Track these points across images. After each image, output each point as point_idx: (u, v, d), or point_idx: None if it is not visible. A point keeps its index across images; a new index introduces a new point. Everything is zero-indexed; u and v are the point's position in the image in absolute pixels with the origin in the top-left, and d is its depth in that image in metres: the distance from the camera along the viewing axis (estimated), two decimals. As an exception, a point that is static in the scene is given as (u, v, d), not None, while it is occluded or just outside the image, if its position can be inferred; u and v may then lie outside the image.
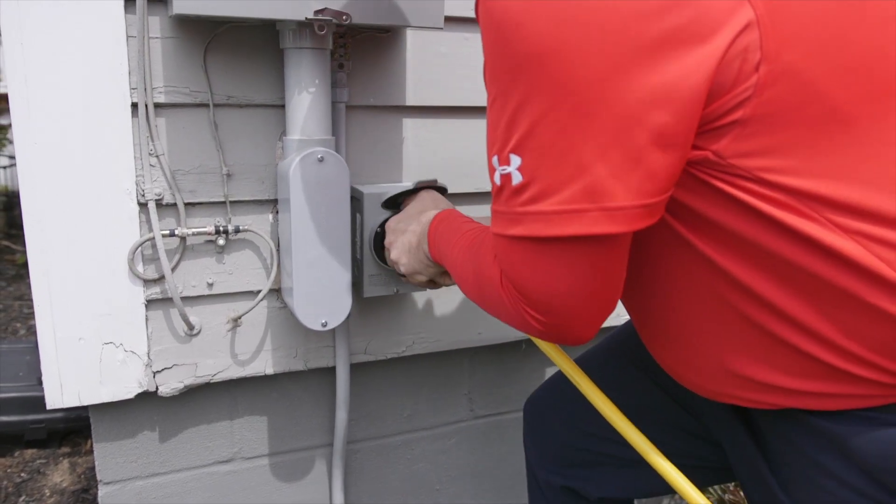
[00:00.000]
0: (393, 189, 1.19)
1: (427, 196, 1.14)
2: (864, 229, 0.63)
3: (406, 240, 1.07)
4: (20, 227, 3.76)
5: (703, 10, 0.57)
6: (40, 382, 1.94)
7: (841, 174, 0.62)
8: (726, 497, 1.94)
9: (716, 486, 1.95)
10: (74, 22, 1.06)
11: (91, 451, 1.93)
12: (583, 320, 0.72)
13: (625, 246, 0.69)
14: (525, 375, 1.62)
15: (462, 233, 0.92)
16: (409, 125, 1.32)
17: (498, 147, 0.67)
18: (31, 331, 2.64)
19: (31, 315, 2.77)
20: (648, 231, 0.66)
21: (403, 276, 1.14)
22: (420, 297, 1.40)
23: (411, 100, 1.30)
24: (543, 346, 1.01)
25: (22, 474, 1.81)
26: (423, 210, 1.10)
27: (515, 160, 0.66)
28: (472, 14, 1.29)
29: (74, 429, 1.95)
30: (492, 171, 0.70)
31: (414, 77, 1.30)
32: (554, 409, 1.17)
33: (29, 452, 1.89)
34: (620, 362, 1.10)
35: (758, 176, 0.62)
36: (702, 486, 1.00)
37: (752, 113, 0.60)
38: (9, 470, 1.82)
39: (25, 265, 3.26)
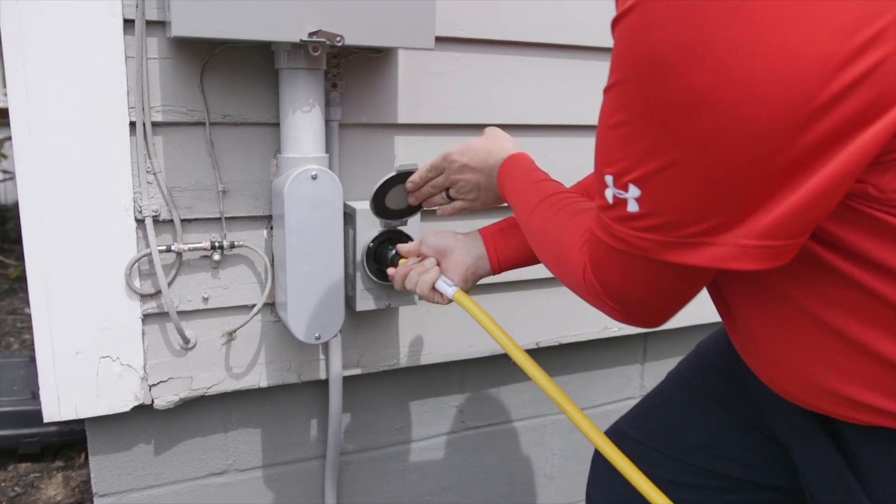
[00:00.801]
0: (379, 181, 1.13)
1: (493, 134, 1.07)
2: None
3: (474, 179, 1.05)
4: (13, 241, 3.77)
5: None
6: (35, 396, 1.95)
7: None
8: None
9: None
10: (75, 42, 1.09)
11: (85, 465, 1.94)
12: (661, 316, 0.75)
13: None
14: (516, 387, 1.64)
15: (543, 196, 0.90)
16: (401, 142, 1.35)
17: (616, 170, 0.64)
18: (25, 345, 2.65)
19: (25, 329, 2.78)
20: None
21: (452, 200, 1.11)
22: (411, 311, 1.43)
23: (403, 118, 1.34)
24: (529, 369, 1.00)
25: (16, 488, 1.82)
26: (490, 147, 1.04)
27: (634, 191, 0.62)
28: (462, 34, 1.33)
29: (68, 442, 1.96)
30: (602, 184, 0.66)
31: (406, 95, 1.33)
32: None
33: (23, 466, 1.90)
34: (686, 395, 1.09)
35: None
36: None
37: None
38: (3, 484, 1.83)
39: (18, 279, 3.26)
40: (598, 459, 1.17)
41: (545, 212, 0.88)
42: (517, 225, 1.06)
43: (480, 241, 1.07)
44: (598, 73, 1.47)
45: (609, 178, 0.64)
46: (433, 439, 1.59)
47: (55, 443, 1.93)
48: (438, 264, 1.08)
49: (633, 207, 0.62)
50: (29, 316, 2.93)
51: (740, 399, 0.99)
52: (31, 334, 2.72)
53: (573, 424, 1.67)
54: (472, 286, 1.08)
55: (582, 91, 1.47)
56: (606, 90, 0.63)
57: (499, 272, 1.07)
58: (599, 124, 0.66)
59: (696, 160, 0.56)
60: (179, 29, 1.02)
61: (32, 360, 2.17)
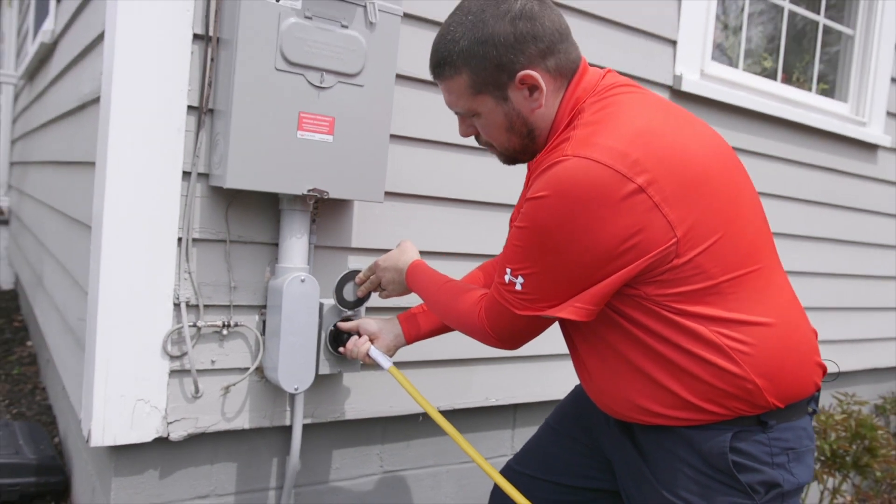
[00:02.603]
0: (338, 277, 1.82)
1: (402, 247, 1.74)
2: (720, 330, 1.23)
3: (391, 276, 1.71)
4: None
5: (648, 241, 1.17)
6: (17, 452, 2.33)
7: (710, 303, 1.23)
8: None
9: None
10: (149, 187, 1.66)
11: (55, 512, 2.31)
12: (520, 343, 1.40)
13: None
14: (422, 441, 2.22)
15: (440, 283, 1.56)
16: (352, 259, 1.98)
17: (512, 267, 1.27)
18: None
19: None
20: (599, 320, 1.29)
21: (383, 289, 1.77)
22: (352, 377, 2.00)
23: (355, 243, 1.97)
24: (441, 422, 1.61)
25: (0, 528, 2.16)
26: (400, 256, 1.71)
27: (520, 280, 1.26)
28: (396, 189, 1.99)
29: (42, 492, 2.32)
30: (503, 271, 1.29)
31: (357, 227, 1.97)
32: None
33: (3, 511, 2.25)
34: (550, 436, 1.70)
35: (667, 304, 1.23)
36: None
37: (667, 278, 1.20)
38: (-11, 524, 2.17)
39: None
40: (496, 492, 1.75)
41: (444, 293, 1.54)
42: (418, 314, 1.72)
43: (398, 324, 1.73)
44: (486, 218, 2.17)
45: (508, 270, 1.29)
46: (360, 479, 2.13)
47: (32, 492, 2.29)
48: (372, 341, 1.72)
49: (518, 287, 1.29)
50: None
51: (582, 433, 1.61)
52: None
53: (463, 473, 2.28)
54: (394, 353, 1.73)
55: (473, 230, 2.16)
56: (515, 227, 1.28)
57: (411, 343, 1.73)
58: (507, 240, 1.33)
59: (550, 273, 1.24)
60: (233, 183, 1.62)
61: (6, 424, 2.53)
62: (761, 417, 1.29)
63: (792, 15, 3.18)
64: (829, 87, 3.39)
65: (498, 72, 1.28)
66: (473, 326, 1.43)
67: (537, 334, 1.40)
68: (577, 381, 1.65)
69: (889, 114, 3.44)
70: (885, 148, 3.44)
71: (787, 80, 3.21)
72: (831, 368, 1.47)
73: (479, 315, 1.41)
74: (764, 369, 1.26)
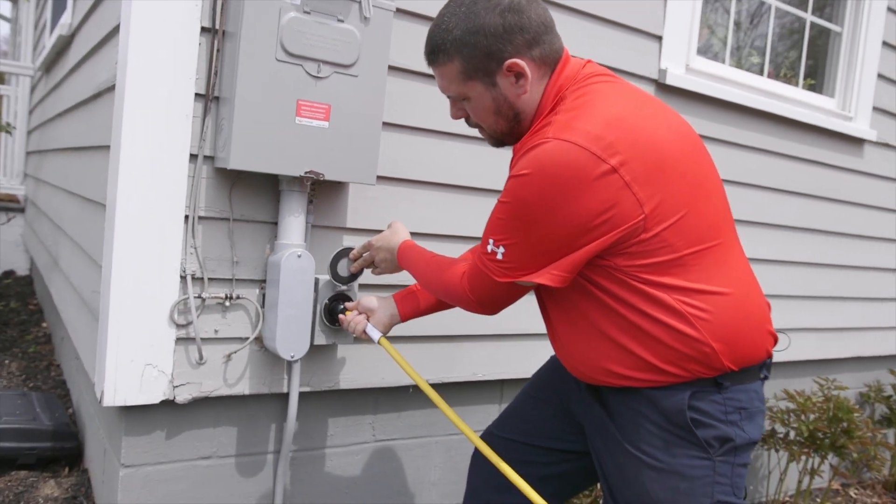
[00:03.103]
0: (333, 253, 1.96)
1: (394, 228, 1.88)
2: (682, 298, 1.35)
3: (384, 255, 1.84)
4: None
5: (618, 216, 1.29)
6: (34, 419, 2.48)
7: (674, 274, 1.35)
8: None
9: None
10: (159, 167, 1.80)
11: (69, 476, 2.46)
12: (499, 309, 1.53)
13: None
14: (412, 412, 2.35)
15: (428, 258, 1.69)
16: (347, 239, 2.11)
17: (495, 238, 1.38)
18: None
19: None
20: (572, 289, 1.41)
21: (377, 268, 1.91)
22: (346, 349, 2.14)
23: (349, 223, 2.10)
24: (434, 397, 1.74)
25: (19, 488, 2.31)
26: (392, 236, 1.85)
27: (501, 249, 1.37)
28: (388, 174, 2.13)
29: (57, 457, 2.47)
30: (486, 242, 1.40)
31: (352, 208, 2.10)
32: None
33: (22, 473, 2.40)
34: (527, 401, 1.83)
35: (635, 274, 1.34)
36: (578, 479, 1.74)
37: (635, 250, 1.32)
38: (9, 483, 2.32)
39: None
40: (476, 455, 1.88)
41: (432, 266, 1.67)
42: (413, 293, 1.85)
43: (393, 302, 1.85)
44: (473, 202, 2.30)
45: (491, 240, 1.40)
46: (352, 446, 2.27)
47: (48, 456, 2.44)
48: (368, 318, 1.84)
49: (500, 256, 1.40)
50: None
51: (556, 398, 1.74)
52: None
53: (451, 444, 2.42)
54: (389, 329, 1.85)
55: (460, 213, 2.29)
56: (498, 202, 1.38)
57: (405, 321, 1.85)
58: (492, 213, 1.43)
59: (529, 243, 1.35)
60: (236, 164, 1.76)
61: (24, 395, 2.69)
62: (717, 379, 1.42)
63: (782, 13, 3.29)
64: (818, 82, 3.49)
65: (487, 59, 1.42)
66: (457, 293, 1.56)
67: (514, 300, 1.53)
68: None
69: (875, 109, 3.54)
70: (871, 142, 3.54)
71: (776, 76, 3.32)
72: (782, 342, 1.59)
73: (461, 282, 1.54)
74: (720, 334, 1.39)
